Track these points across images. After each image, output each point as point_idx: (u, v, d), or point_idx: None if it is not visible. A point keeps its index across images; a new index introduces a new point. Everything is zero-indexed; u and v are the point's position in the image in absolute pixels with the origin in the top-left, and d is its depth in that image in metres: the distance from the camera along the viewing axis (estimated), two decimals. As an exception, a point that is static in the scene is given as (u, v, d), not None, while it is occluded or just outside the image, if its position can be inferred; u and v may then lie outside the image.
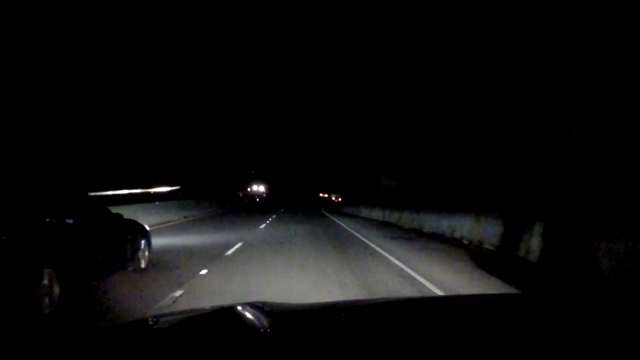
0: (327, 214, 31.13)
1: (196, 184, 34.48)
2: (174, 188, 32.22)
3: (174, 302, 5.27)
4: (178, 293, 5.67)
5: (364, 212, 28.91)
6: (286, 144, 73.70)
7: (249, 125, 58.24)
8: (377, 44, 25.06)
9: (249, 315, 1.41)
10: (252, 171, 62.65)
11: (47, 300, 4.64)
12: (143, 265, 7.20)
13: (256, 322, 1.35)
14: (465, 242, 12.20)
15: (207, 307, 1.72)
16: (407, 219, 19.08)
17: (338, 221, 22.66)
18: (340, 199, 50.95)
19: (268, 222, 20.31)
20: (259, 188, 62.40)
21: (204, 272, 7.25)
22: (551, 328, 1.22)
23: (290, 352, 1.03)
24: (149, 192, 28.81)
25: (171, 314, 1.77)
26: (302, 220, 22.99)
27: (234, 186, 44.82)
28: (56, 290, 4.78)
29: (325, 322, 1.38)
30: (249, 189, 59.06)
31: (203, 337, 1.16)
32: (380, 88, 26.14)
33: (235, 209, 34.66)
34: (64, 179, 19.21)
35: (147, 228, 7.84)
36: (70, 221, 5.45)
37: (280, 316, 1.45)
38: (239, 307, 1.49)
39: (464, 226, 12.84)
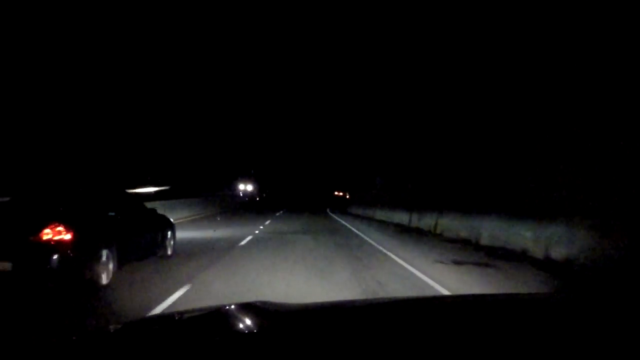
0: (336, 217, 26.33)
1: (185, 184, 32.96)
2: (163, 188, 31.24)
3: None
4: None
5: (380, 213, 23.90)
6: (287, 141, 72.41)
7: (246, 124, 56.37)
8: (389, 38, 24.38)
9: (248, 315, 1.41)
10: (252, 171, 59.92)
11: (104, 274, 5.87)
12: (169, 252, 8.43)
13: (256, 322, 1.34)
14: (576, 267, 7.36)
15: (207, 307, 1.70)
16: (450, 224, 13.32)
17: (354, 229, 16.68)
18: (347, 196, 46.69)
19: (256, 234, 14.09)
20: (246, 187, 56.35)
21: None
22: (555, 329, 1.21)
23: (289, 352, 1.04)
24: (136, 193, 28.64)
25: (171, 314, 1.78)
26: (306, 223, 20.01)
27: (220, 185, 41.93)
28: (111, 267, 6.02)
29: (325, 322, 1.39)
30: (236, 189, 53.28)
31: (203, 337, 1.17)
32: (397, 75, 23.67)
33: (231, 209, 33.36)
34: (112, 180, 20.37)
35: (173, 222, 9.06)
36: (119, 215, 6.70)
37: (280, 316, 1.45)
38: (239, 307, 1.49)
39: (572, 239, 7.73)
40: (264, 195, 64.20)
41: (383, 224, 19.77)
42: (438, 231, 14.24)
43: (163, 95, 34.10)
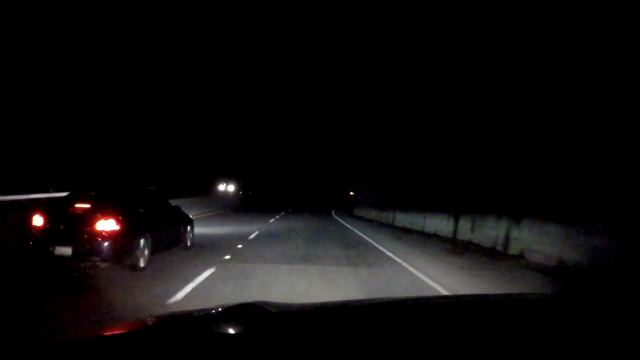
0: (348, 225, 20.09)
1: (172, 185, 30.35)
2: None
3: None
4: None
5: (402, 218, 19.19)
6: (289, 139, 71.28)
7: (244, 122, 54.69)
8: (398, 37, 23.26)
9: (248, 315, 1.42)
10: (233, 169, 56.07)
11: (142, 259, 7.07)
12: (189, 244, 9.62)
13: (255, 323, 1.35)
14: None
15: (207, 307, 1.70)
16: (550, 240, 8.71)
17: (378, 245, 11.78)
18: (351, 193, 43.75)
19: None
20: (228, 188, 52.04)
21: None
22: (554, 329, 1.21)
23: (289, 352, 1.04)
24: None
25: (171, 314, 1.79)
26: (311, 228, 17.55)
27: (206, 185, 40.18)
28: (146, 253, 7.22)
29: (325, 323, 1.40)
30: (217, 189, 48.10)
31: (203, 337, 1.17)
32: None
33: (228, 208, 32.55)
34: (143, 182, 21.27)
35: (192, 218, 10.28)
36: (152, 211, 7.92)
37: (280, 316, 1.46)
38: (238, 307, 1.49)
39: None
40: (250, 193, 60.86)
41: (421, 237, 14.72)
42: (514, 251, 9.86)
43: (156, 93, 33.83)
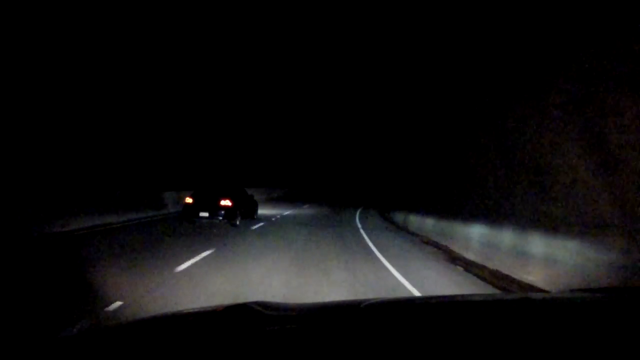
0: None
1: (248, 179, 34.47)
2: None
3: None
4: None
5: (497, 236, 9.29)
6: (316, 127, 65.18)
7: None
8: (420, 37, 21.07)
9: (246, 315, 1.42)
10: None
11: (237, 220, 15.86)
12: (255, 216, 18.36)
13: (255, 322, 1.35)
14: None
15: (207, 307, 1.71)
16: None
17: None
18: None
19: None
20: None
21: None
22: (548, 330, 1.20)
23: (289, 352, 1.05)
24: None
25: (171, 314, 1.69)
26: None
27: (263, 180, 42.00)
28: (239, 218, 15.90)
29: (324, 323, 1.40)
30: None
31: (203, 337, 1.18)
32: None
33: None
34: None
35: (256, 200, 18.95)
36: (241, 197, 16.66)
37: (280, 315, 1.47)
38: (237, 308, 1.49)
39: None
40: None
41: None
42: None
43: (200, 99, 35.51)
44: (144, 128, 26.58)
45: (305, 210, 26.51)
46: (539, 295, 2.67)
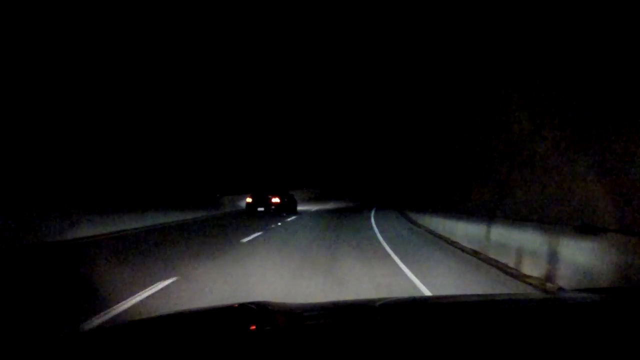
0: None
1: (288, 182, 39.98)
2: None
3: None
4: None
5: None
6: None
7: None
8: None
9: (247, 315, 1.43)
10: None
11: (284, 213, 22.76)
12: (295, 211, 25.23)
13: (255, 322, 1.35)
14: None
15: (207, 307, 1.74)
16: None
17: None
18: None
19: None
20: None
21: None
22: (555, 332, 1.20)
23: (289, 351, 1.06)
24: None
25: (171, 313, 1.68)
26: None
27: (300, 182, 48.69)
28: (285, 213, 22.69)
29: (324, 323, 1.41)
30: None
31: (203, 336, 1.19)
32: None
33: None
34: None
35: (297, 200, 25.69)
36: (286, 196, 23.95)
37: (280, 316, 1.48)
38: (238, 307, 1.49)
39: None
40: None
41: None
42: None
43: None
44: (208, 146, 33.89)
45: (332, 206, 33.92)
46: (547, 296, 2.65)
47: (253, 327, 1.34)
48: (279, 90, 45.30)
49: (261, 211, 22.07)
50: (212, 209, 23.64)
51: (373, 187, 62.17)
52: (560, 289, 5.78)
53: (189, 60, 27.52)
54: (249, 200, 22.96)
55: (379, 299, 1.84)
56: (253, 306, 1.50)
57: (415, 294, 5.83)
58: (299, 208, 27.23)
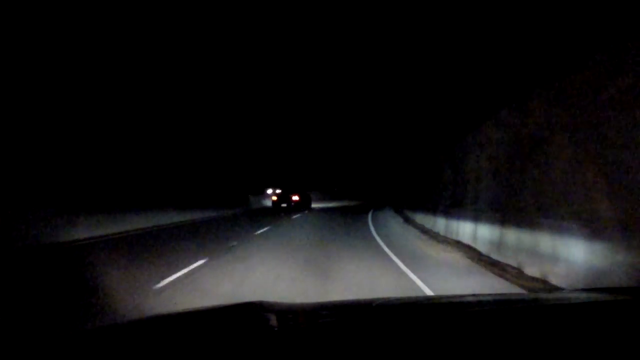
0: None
1: (304, 184, 48.24)
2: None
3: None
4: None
5: None
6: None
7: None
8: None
9: (248, 314, 1.42)
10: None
11: (301, 208, 27.39)
12: (311, 207, 29.41)
13: (256, 322, 1.35)
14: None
15: (207, 307, 1.73)
16: None
17: None
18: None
19: None
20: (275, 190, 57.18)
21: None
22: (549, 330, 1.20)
23: (289, 351, 1.05)
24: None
25: (172, 313, 1.67)
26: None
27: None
28: (303, 208, 26.46)
29: (325, 323, 1.41)
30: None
31: (203, 336, 1.18)
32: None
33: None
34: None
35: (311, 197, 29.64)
36: (304, 195, 29.52)
37: (280, 316, 1.47)
38: (238, 307, 1.48)
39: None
40: (335, 189, 70.40)
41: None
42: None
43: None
44: (238, 153, 38.82)
45: (342, 204, 40.14)
46: (548, 295, 2.88)
47: (253, 328, 1.34)
48: (295, 102, 49.89)
49: (284, 206, 28.25)
50: (243, 207, 29.62)
51: (374, 188, 66.74)
52: (560, 288, 5.91)
53: (215, 65, 26.34)
54: (274, 198, 29.20)
55: (378, 299, 1.86)
56: (253, 306, 1.52)
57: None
58: (313, 205, 32.00)
